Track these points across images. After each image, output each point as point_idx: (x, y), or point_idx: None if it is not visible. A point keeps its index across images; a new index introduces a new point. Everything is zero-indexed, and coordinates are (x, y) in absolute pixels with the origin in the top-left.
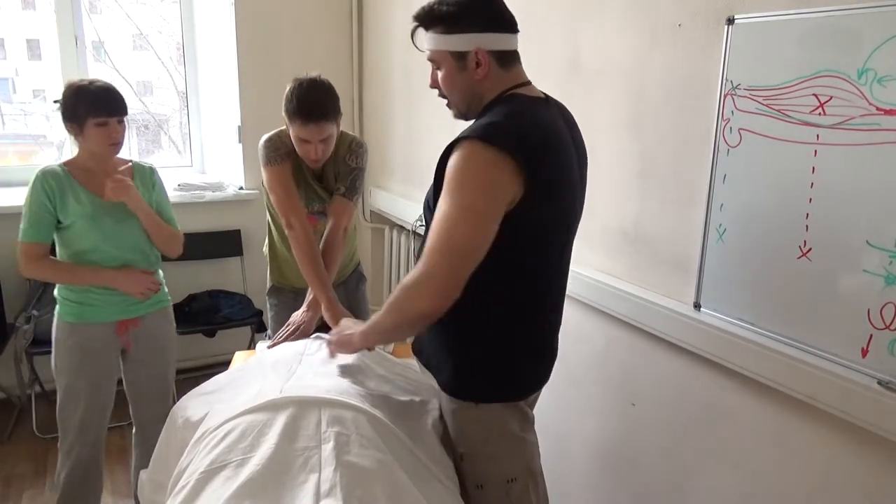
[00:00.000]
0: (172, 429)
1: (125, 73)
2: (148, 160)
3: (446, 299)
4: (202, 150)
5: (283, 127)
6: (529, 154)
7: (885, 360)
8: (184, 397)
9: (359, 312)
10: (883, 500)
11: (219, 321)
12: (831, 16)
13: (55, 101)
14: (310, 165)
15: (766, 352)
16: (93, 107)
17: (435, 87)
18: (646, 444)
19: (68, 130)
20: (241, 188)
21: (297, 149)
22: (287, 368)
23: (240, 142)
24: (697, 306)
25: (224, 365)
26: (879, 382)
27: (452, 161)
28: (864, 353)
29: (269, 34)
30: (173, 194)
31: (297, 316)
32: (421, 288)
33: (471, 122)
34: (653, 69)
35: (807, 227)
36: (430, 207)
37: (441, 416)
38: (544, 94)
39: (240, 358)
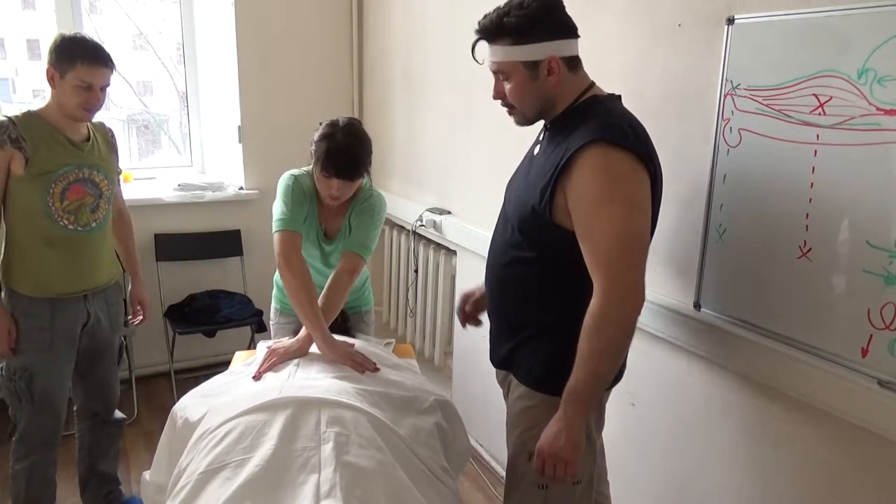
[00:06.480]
0: (172, 429)
1: (125, 73)
2: (148, 160)
3: (642, 296)
4: (202, 150)
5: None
6: (647, 154)
7: (885, 360)
8: (183, 397)
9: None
10: (883, 500)
11: (219, 321)
12: (831, 16)
13: None
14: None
15: (766, 352)
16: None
17: (499, 98)
18: (646, 444)
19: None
20: (241, 188)
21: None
22: (287, 369)
23: (240, 142)
24: (697, 306)
25: (224, 365)
26: (879, 382)
27: (589, 166)
28: (864, 353)
29: (269, 34)
30: (173, 194)
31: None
32: (622, 295)
33: (542, 129)
34: (653, 69)
35: (807, 227)
36: (534, 210)
37: (444, 421)
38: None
39: (240, 358)
